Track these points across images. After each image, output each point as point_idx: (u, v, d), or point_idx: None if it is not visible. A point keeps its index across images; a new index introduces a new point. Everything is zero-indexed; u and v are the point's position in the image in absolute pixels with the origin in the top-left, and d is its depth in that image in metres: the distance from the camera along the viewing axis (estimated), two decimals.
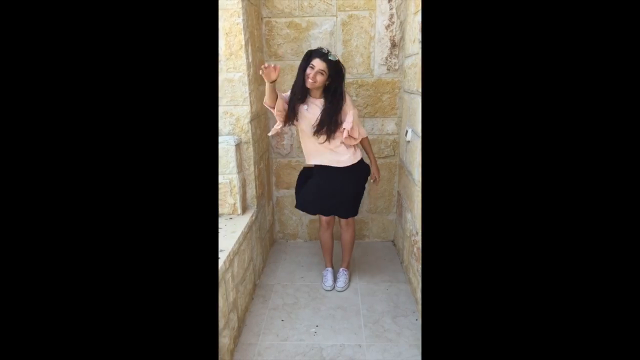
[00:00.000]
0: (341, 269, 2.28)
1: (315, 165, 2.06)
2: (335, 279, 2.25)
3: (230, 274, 1.69)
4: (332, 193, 2.05)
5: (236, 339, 1.77)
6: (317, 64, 1.82)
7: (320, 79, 1.83)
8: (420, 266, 1.90)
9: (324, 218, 2.18)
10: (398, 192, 2.64)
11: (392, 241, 2.79)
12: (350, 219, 2.17)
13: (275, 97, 1.86)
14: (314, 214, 2.20)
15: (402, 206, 2.48)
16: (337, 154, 1.98)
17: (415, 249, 2.03)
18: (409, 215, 2.21)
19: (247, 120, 2.10)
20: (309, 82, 1.84)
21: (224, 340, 1.59)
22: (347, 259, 2.29)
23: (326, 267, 2.31)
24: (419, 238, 1.92)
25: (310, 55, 1.84)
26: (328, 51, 1.85)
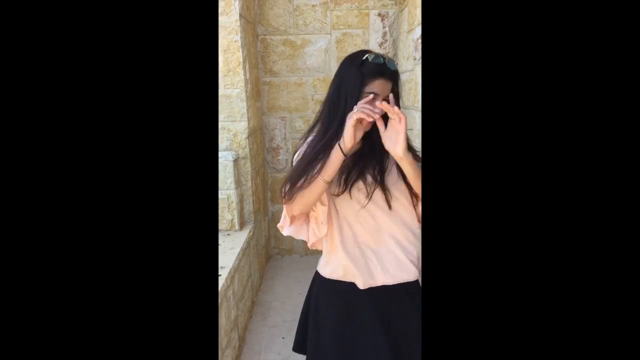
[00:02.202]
0: None
1: (336, 286, 0.96)
2: None
3: (231, 292, 1.66)
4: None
5: (237, 358, 1.73)
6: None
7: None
8: None
9: None
10: None
11: None
12: None
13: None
14: None
15: None
16: (399, 241, 0.93)
17: None
18: None
19: (245, 135, 2.10)
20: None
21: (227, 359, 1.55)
22: None
23: None
24: None
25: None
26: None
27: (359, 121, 0.81)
